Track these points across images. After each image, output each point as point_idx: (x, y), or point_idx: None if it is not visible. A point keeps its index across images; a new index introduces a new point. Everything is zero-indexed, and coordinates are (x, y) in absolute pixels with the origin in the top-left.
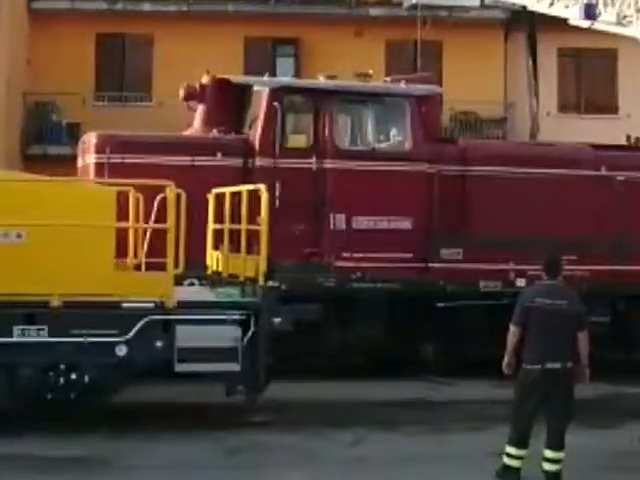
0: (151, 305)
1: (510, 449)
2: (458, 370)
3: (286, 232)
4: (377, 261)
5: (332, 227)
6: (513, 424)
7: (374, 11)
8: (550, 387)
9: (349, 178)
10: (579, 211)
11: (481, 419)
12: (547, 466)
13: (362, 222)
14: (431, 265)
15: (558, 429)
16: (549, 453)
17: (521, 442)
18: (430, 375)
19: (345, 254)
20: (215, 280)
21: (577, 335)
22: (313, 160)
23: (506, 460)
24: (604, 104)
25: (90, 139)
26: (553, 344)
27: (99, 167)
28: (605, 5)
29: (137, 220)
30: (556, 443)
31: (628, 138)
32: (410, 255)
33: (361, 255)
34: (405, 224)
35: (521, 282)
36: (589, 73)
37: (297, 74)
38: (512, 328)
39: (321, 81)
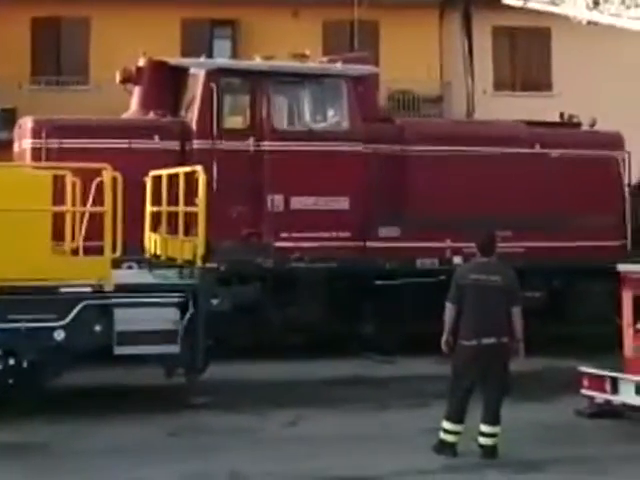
0: (89, 289)
1: (446, 424)
2: (398, 347)
3: (224, 214)
4: (316, 241)
5: (270, 208)
6: (449, 400)
7: None
8: (486, 362)
9: (287, 159)
10: (514, 188)
11: (421, 396)
12: (483, 440)
13: (300, 202)
14: (369, 244)
15: (493, 404)
16: (485, 428)
17: (457, 417)
18: (370, 353)
19: (284, 234)
20: (153, 263)
21: (511, 310)
22: (250, 141)
23: (442, 435)
24: (538, 82)
25: (26, 124)
26: (487, 320)
27: (36, 152)
28: None
29: (74, 204)
30: (491, 418)
31: (561, 115)
32: (348, 234)
33: (300, 235)
34: (343, 204)
35: (457, 259)
36: (523, 52)
37: (234, 55)
38: (447, 305)
39: (258, 62)
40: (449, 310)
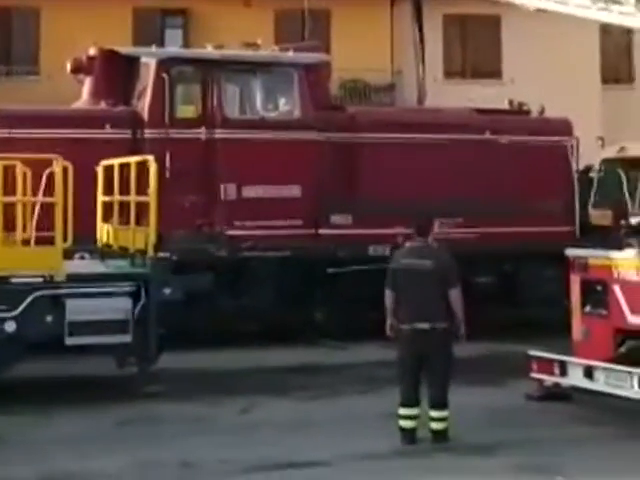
0: (40, 280)
1: (401, 410)
2: (351, 334)
3: (177, 203)
4: (268, 229)
5: (223, 197)
6: (400, 385)
7: None
8: (423, 347)
9: (239, 147)
10: (465, 175)
11: (373, 381)
12: (433, 425)
13: (253, 191)
14: (321, 231)
15: (439, 388)
16: (433, 412)
17: (408, 402)
18: (323, 340)
19: (236, 223)
20: (105, 253)
21: (448, 294)
22: (202, 130)
23: (400, 422)
24: (488, 70)
25: None
26: (420, 304)
27: None
28: None
29: (25, 194)
30: (438, 402)
31: (511, 102)
32: (300, 222)
33: (252, 224)
34: (295, 192)
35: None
36: (474, 40)
37: (186, 45)
38: (386, 291)
39: (209, 51)
40: (387, 296)
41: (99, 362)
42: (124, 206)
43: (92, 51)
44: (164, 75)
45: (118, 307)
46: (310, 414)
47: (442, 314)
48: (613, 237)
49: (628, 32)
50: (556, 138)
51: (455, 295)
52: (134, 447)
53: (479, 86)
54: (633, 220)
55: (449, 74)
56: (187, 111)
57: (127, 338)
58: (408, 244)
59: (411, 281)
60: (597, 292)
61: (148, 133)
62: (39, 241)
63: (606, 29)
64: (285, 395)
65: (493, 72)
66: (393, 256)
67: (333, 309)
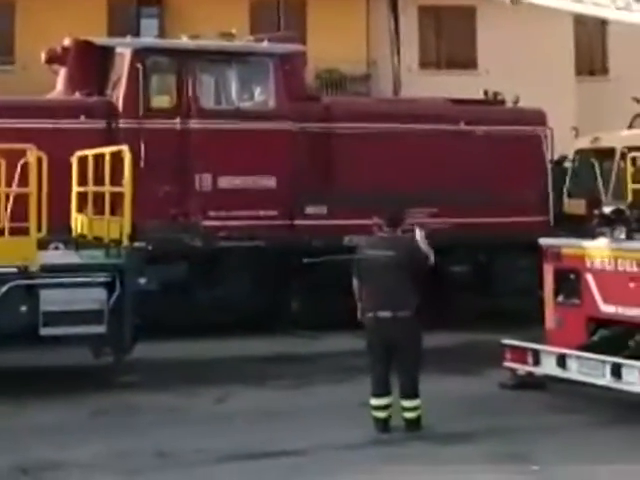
0: (14, 270)
1: (372, 401)
2: (326, 324)
3: (152, 193)
4: (243, 219)
5: (198, 187)
6: (371, 375)
7: None
8: (388, 335)
9: (214, 138)
10: (440, 165)
11: (348, 371)
12: (406, 414)
13: (228, 181)
14: (297, 222)
15: (408, 377)
16: (404, 402)
17: (380, 391)
18: (298, 330)
19: (211, 213)
20: (80, 243)
21: (418, 283)
22: (177, 120)
23: (373, 413)
24: (464, 60)
25: None
26: (383, 293)
27: None
28: None
29: None
30: (409, 391)
31: (485, 93)
32: (276, 213)
33: (227, 214)
34: (270, 182)
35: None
36: (449, 30)
37: (162, 35)
38: (353, 280)
39: (184, 41)
40: (354, 285)
41: (74, 352)
42: (99, 196)
43: (67, 41)
44: (139, 65)
45: (93, 297)
46: (285, 404)
47: (406, 303)
48: (586, 227)
49: (603, 24)
50: (530, 128)
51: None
52: (109, 437)
53: (454, 77)
54: (606, 209)
55: (424, 65)
56: (162, 101)
57: (102, 328)
58: (375, 235)
59: (374, 271)
60: (570, 281)
61: (123, 123)
62: (13, 231)
63: (580, 20)
64: (260, 385)
65: (468, 63)
66: (359, 246)
67: (308, 299)
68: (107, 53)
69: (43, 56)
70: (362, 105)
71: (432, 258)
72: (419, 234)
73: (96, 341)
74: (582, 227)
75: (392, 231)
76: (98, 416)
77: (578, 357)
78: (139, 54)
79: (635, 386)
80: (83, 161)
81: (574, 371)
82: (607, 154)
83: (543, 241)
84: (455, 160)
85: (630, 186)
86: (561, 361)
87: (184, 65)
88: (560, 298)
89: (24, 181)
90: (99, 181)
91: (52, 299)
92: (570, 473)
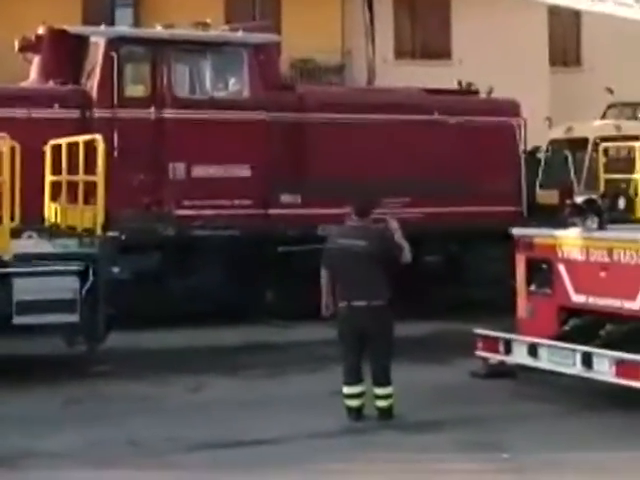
0: None
1: (345, 389)
2: (300, 313)
3: (126, 182)
4: (217, 209)
5: (172, 176)
6: (343, 364)
7: None
8: (361, 324)
9: (188, 127)
10: (414, 155)
11: (321, 360)
12: (378, 402)
13: (202, 170)
14: (271, 211)
15: (380, 365)
16: (377, 390)
17: (352, 380)
18: (272, 319)
19: (185, 203)
20: (53, 232)
21: (390, 272)
22: (152, 110)
23: (345, 401)
24: (438, 51)
25: None
26: (356, 283)
27: None
28: None
29: None
30: (381, 379)
31: (460, 83)
32: (250, 202)
33: (201, 203)
34: (245, 171)
35: None
36: (424, 21)
37: (136, 24)
38: (321, 271)
39: (159, 30)
40: (322, 275)
41: (48, 341)
42: (72, 185)
43: (41, 30)
44: (113, 54)
45: (66, 286)
46: (258, 393)
47: (379, 292)
48: (559, 216)
49: (577, 15)
50: (504, 119)
51: (405, 260)
52: (82, 426)
53: (429, 67)
54: (578, 199)
55: (399, 55)
56: (136, 90)
57: (75, 317)
58: (347, 224)
59: (347, 261)
60: (542, 271)
61: (97, 112)
62: None
63: (554, 11)
64: (234, 374)
65: (442, 53)
66: (330, 236)
67: (282, 288)
68: (81, 42)
69: (17, 44)
70: (336, 95)
71: (408, 254)
72: (394, 227)
73: (69, 330)
74: (554, 217)
75: (361, 220)
76: (71, 405)
77: (549, 346)
78: (113, 43)
79: (605, 375)
80: (57, 150)
81: (545, 360)
82: (580, 144)
83: (515, 231)
84: (429, 150)
85: (602, 176)
86: (532, 350)
87: (159, 54)
88: (532, 288)
89: None
90: (73, 170)
91: (25, 288)
92: (540, 461)
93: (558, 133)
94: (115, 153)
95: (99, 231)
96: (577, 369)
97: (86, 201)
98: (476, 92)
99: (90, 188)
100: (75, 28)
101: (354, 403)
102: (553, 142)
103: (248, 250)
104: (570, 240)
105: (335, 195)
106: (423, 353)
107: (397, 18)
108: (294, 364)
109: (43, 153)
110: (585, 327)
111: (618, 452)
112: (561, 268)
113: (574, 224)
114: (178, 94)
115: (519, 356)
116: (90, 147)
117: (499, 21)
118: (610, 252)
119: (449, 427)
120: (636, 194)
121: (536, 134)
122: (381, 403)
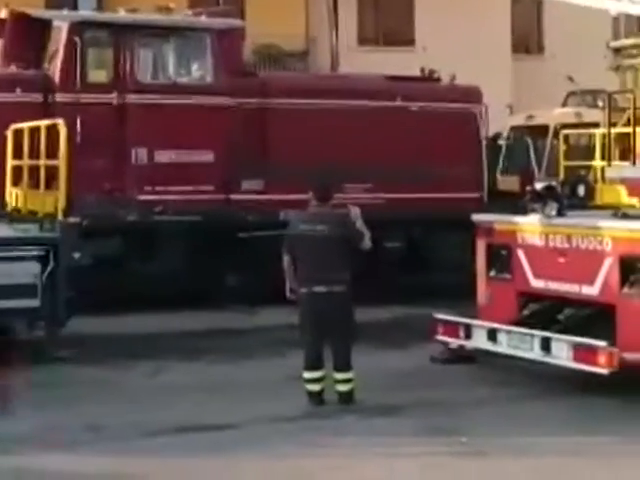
0: None
1: (305, 374)
2: (261, 298)
3: (88, 167)
4: (179, 194)
5: (134, 161)
6: (304, 349)
7: None
8: (322, 309)
9: (151, 112)
10: (376, 141)
11: (282, 345)
12: (339, 387)
13: (164, 156)
14: (233, 197)
15: (341, 350)
16: (337, 375)
17: (311, 365)
18: (234, 304)
19: (147, 188)
20: (14, 217)
21: (351, 258)
22: (114, 95)
23: (306, 386)
24: (402, 37)
25: None
26: (318, 269)
27: None
28: None
29: None
30: (342, 364)
31: (422, 70)
32: (212, 187)
33: (163, 188)
34: (207, 157)
35: None
36: (387, 7)
37: (100, 8)
38: (283, 256)
39: (122, 15)
40: (284, 261)
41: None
42: (34, 170)
43: (3, 13)
44: (76, 38)
45: (26, 271)
46: (219, 377)
47: (339, 278)
48: (519, 203)
49: (539, 3)
50: (466, 105)
51: (365, 247)
52: (39, 411)
53: (392, 54)
54: (538, 186)
55: (362, 42)
56: (99, 75)
57: (36, 302)
58: (307, 209)
59: (308, 246)
60: (502, 257)
61: (59, 97)
62: None
63: None
64: (194, 358)
65: (406, 40)
66: (291, 221)
67: (244, 274)
68: (44, 25)
69: None
70: (299, 81)
71: (368, 242)
72: (355, 213)
73: (30, 315)
74: (515, 203)
75: (322, 206)
76: (29, 390)
77: (508, 331)
78: (76, 27)
79: (563, 360)
80: (19, 134)
81: (504, 345)
82: (541, 131)
83: (476, 217)
84: (391, 136)
85: (562, 163)
86: (492, 335)
87: (121, 39)
88: (492, 273)
89: None
90: (35, 155)
91: None
92: (498, 445)
93: (519, 120)
94: (77, 138)
95: (60, 216)
96: (536, 354)
97: (48, 186)
98: (438, 79)
99: (52, 173)
100: (38, 12)
101: (315, 387)
102: (514, 129)
103: (210, 235)
104: (529, 226)
105: (298, 181)
106: (384, 338)
107: (361, 5)
108: (255, 349)
109: (5, 137)
110: (544, 312)
111: (577, 436)
112: (520, 254)
113: (534, 210)
114: (141, 79)
115: (479, 341)
116: (52, 131)
117: (462, 8)
118: (569, 238)
119: (409, 411)
120: (596, 181)
121: (498, 120)
122: (342, 388)
